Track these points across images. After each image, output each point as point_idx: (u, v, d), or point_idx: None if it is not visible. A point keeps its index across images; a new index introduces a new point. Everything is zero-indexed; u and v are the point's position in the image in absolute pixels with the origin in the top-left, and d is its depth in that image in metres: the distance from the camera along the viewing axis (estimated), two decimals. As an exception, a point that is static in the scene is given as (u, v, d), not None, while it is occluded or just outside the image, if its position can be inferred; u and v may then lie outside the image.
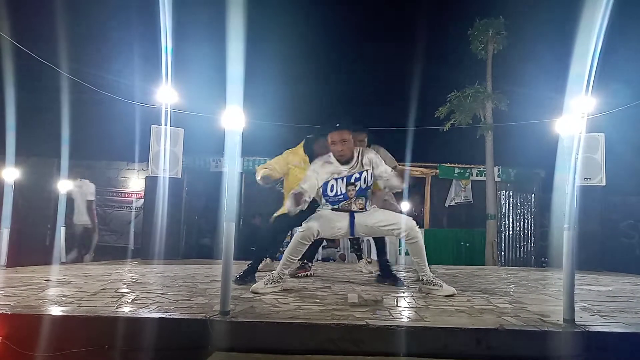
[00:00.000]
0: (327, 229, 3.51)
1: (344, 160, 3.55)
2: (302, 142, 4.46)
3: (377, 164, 3.61)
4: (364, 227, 3.59)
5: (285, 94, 10.38)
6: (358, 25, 13.72)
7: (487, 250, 9.43)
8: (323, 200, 3.61)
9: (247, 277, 3.86)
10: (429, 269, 3.52)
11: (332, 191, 3.55)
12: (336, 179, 3.54)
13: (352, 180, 3.54)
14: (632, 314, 2.94)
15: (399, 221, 3.51)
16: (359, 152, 3.62)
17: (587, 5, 2.90)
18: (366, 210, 3.59)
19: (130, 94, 8.21)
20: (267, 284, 3.41)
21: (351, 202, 3.55)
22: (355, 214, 3.56)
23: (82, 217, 7.67)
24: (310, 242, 3.48)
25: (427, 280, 3.48)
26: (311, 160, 3.99)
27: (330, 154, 3.58)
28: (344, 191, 3.54)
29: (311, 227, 3.42)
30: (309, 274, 4.63)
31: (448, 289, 3.42)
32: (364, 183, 3.56)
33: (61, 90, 7.68)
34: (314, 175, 3.53)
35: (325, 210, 3.59)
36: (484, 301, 3.24)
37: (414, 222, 3.51)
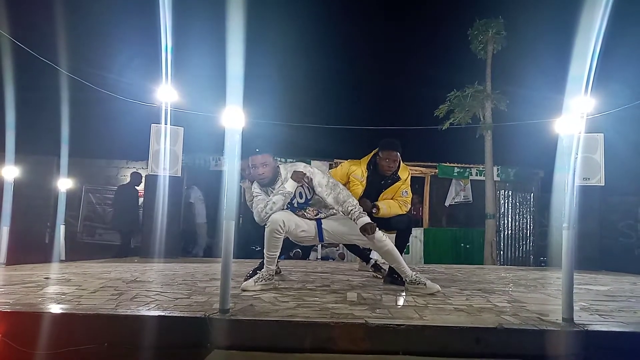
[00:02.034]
0: (292, 225, 3.53)
1: (266, 183, 3.60)
2: (369, 155, 4.34)
3: (312, 178, 3.59)
4: (332, 234, 3.66)
5: (285, 93, 10.38)
6: (358, 25, 13.72)
7: (486, 249, 9.44)
8: None
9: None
10: (408, 269, 3.57)
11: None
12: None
13: (295, 205, 3.60)
14: (631, 313, 2.95)
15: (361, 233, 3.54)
16: (278, 171, 3.63)
17: (587, 5, 2.90)
18: (326, 216, 3.64)
19: (130, 93, 8.21)
20: (256, 282, 3.47)
21: (303, 212, 3.63)
22: (323, 222, 3.62)
23: (201, 219, 9.15)
24: (282, 235, 3.50)
25: (410, 280, 3.53)
26: (369, 174, 4.15)
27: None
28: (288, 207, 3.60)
29: (276, 219, 3.45)
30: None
31: (432, 287, 3.46)
32: (301, 198, 3.60)
33: (61, 89, 7.67)
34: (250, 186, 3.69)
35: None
36: (483, 300, 3.25)
37: (379, 231, 3.52)
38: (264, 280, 3.49)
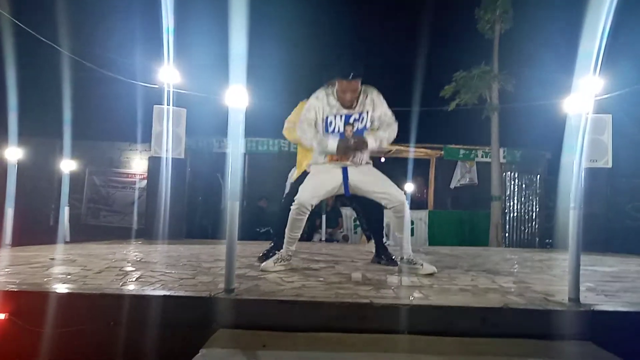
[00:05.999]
0: (319, 193, 3.46)
1: (347, 106, 3.46)
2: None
3: (377, 105, 3.48)
4: (357, 189, 3.51)
5: (289, 73, 10.28)
6: (364, 4, 13.52)
7: (491, 231, 9.43)
8: (321, 132, 3.52)
9: (270, 255, 3.83)
10: (410, 248, 3.50)
11: (330, 126, 3.47)
12: (335, 115, 3.45)
13: (351, 121, 3.45)
14: (637, 293, 2.94)
15: (391, 192, 3.44)
16: (360, 91, 3.46)
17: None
18: (361, 164, 3.50)
19: (133, 74, 8.15)
20: (276, 262, 3.46)
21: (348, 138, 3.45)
22: (349, 171, 3.46)
23: None
24: (307, 215, 3.44)
25: (407, 258, 3.47)
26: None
27: (335, 90, 3.46)
28: (341, 130, 3.45)
29: (303, 201, 3.37)
30: None
31: (429, 268, 3.42)
32: (361, 124, 3.46)
33: (63, 70, 7.62)
34: (317, 103, 3.47)
35: (314, 175, 3.53)
36: (488, 281, 3.24)
37: (404, 196, 3.46)
38: (283, 261, 3.48)
